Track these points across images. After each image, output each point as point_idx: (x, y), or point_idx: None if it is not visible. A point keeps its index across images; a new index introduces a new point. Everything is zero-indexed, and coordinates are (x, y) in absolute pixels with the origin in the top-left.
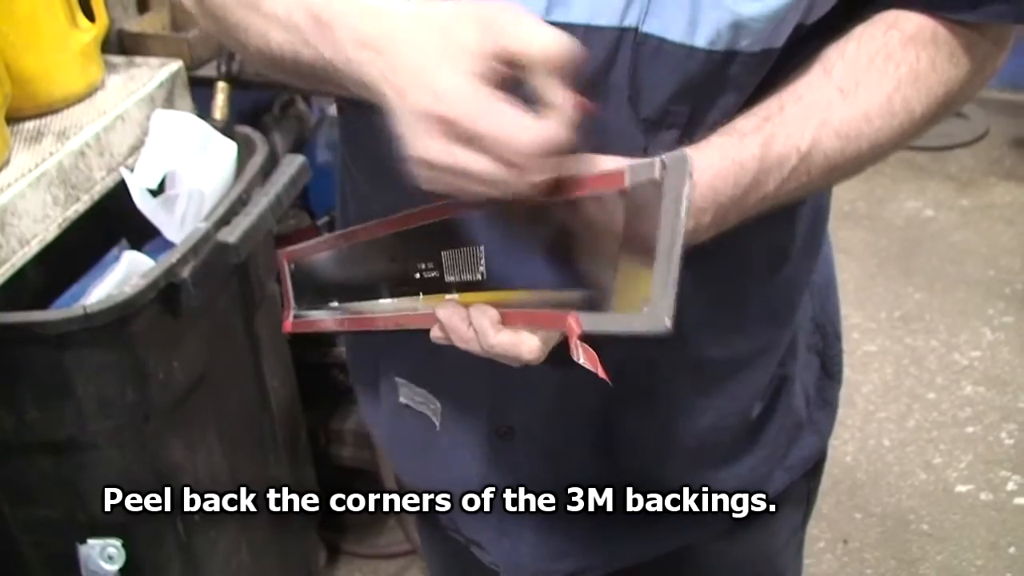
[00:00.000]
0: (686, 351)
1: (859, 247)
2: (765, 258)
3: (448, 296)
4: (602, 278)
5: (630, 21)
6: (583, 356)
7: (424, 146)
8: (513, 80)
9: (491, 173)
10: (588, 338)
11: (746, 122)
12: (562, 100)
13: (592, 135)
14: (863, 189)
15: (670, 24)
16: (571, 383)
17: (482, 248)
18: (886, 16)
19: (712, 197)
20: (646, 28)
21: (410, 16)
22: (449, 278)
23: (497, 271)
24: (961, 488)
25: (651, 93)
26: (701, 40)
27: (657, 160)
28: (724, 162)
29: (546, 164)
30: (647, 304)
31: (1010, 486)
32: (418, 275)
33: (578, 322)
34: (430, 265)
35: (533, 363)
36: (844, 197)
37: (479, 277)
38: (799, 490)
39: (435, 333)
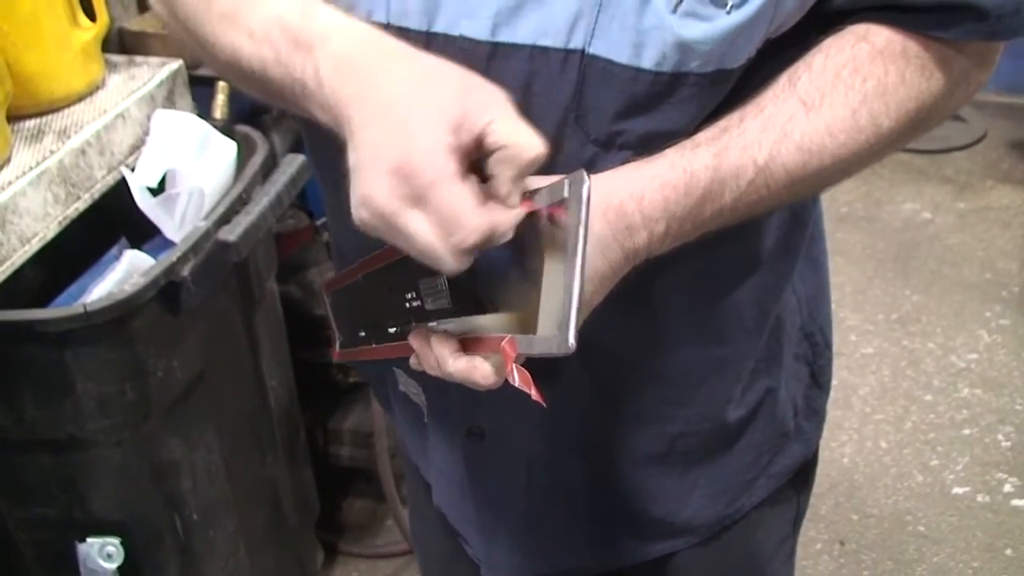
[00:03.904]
0: (651, 361)
1: (856, 249)
2: (732, 266)
3: (430, 324)
4: (532, 298)
5: (576, 43)
6: (518, 379)
7: (374, 188)
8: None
9: (424, 239)
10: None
11: (703, 133)
12: (515, 202)
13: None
14: (860, 191)
15: (616, 46)
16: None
17: (444, 276)
18: (856, 29)
19: (663, 206)
20: (592, 50)
21: (397, 52)
22: (429, 307)
23: (458, 298)
24: (958, 490)
25: (598, 114)
26: (647, 62)
27: (565, 179)
28: (674, 172)
29: (475, 248)
30: (559, 325)
31: (1007, 488)
32: (407, 305)
33: (512, 345)
34: (414, 295)
35: (490, 388)
36: (841, 199)
37: (446, 304)
38: (786, 498)
39: (412, 360)
